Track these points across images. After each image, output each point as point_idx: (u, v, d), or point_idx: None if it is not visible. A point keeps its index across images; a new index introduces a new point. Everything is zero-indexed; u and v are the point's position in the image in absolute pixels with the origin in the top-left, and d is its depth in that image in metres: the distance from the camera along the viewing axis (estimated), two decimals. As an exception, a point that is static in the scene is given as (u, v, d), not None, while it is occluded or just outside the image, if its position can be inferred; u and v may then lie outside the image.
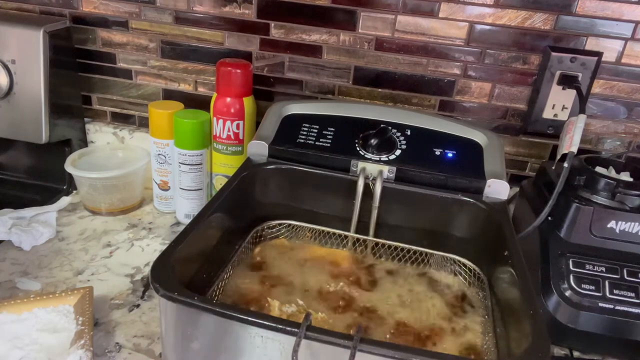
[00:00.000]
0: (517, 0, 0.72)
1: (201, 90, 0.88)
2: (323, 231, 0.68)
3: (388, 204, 0.65)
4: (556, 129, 0.76)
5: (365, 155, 0.67)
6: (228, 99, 0.76)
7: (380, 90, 0.81)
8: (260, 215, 0.68)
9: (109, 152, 0.88)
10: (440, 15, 0.75)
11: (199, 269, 0.52)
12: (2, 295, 0.62)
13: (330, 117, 0.72)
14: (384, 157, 0.67)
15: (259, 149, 0.68)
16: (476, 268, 0.63)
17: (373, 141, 0.67)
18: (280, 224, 0.69)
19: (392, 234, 0.66)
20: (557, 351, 0.62)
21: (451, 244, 0.65)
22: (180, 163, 0.78)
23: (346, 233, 0.68)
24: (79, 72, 0.89)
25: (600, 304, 0.58)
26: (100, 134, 0.93)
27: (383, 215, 0.66)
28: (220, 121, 0.77)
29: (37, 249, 0.72)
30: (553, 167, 0.68)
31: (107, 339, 0.57)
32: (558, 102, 0.75)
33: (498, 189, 0.64)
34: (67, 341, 0.53)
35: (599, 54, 0.72)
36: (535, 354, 0.39)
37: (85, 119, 0.92)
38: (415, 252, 0.66)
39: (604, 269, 0.60)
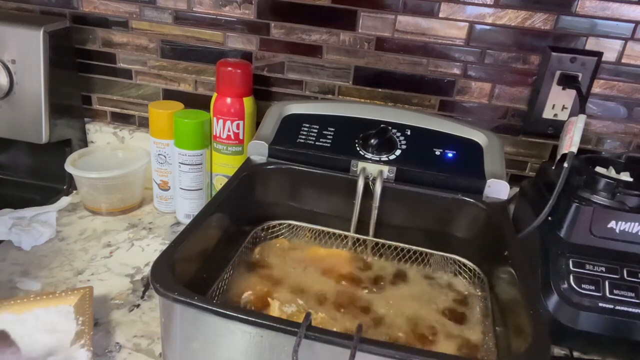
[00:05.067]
0: (517, 0, 0.72)
1: (201, 90, 0.88)
2: (323, 231, 0.68)
3: (388, 204, 0.65)
4: (556, 129, 0.76)
5: (366, 155, 0.67)
6: (228, 99, 0.76)
7: (380, 90, 0.81)
8: (260, 215, 0.68)
9: (109, 152, 0.88)
10: (441, 15, 0.75)
11: (199, 269, 0.52)
12: (2, 295, 0.62)
13: (330, 117, 0.72)
14: (384, 157, 0.67)
15: (259, 149, 0.68)
16: (476, 268, 0.63)
17: (373, 141, 0.67)
18: (280, 224, 0.69)
19: (392, 234, 0.66)
20: (557, 351, 0.61)
21: (451, 244, 0.65)
22: (180, 163, 0.78)
23: (346, 233, 0.68)
24: (79, 72, 0.89)
25: (600, 304, 0.58)
26: (100, 134, 0.93)
27: (383, 215, 0.66)
28: (220, 121, 0.77)
29: (37, 249, 0.72)
30: (553, 167, 0.68)
31: (107, 339, 0.57)
32: (558, 102, 0.75)
33: (498, 189, 0.64)
34: (67, 341, 0.53)
35: (599, 54, 0.72)
36: (535, 354, 0.39)
37: (85, 119, 0.92)
38: (415, 252, 0.66)
39: (604, 269, 0.60)
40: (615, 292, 0.58)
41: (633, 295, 0.58)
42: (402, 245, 0.66)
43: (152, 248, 0.75)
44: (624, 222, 0.61)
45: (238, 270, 0.60)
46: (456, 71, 0.78)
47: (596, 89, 0.75)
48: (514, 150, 0.82)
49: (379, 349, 0.38)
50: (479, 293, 0.60)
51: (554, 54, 0.72)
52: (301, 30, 0.80)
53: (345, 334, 0.38)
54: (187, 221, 0.77)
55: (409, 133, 0.70)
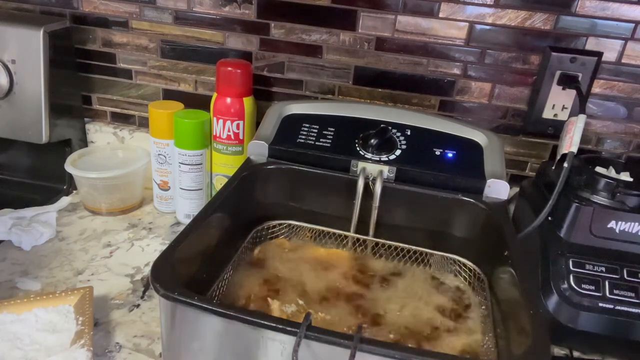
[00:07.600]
0: (517, 0, 0.72)
1: (201, 90, 0.88)
2: (323, 231, 0.68)
3: (388, 204, 0.65)
4: (556, 129, 0.76)
5: (366, 155, 0.67)
6: (228, 99, 0.76)
7: (380, 90, 0.81)
8: (260, 215, 0.68)
9: (109, 152, 0.88)
10: (441, 15, 0.75)
11: (199, 269, 0.52)
12: (2, 295, 0.62)
13: (330, 117, 0.72)
14: (384, 157, 0.67)
15: (259, 149, 0.68)
16: (476, 268, 0.63)
17: (373, 141, 0.67)
18: (280, 224, 0.69)
19: (392, 234, 0.66)
20: (557, 351, 0.62)
21: (451, 244, 0.65)
22: (180, 163, 0.78)
23: (346, 233, 0.68)
24: (79, 72, 0.89)
25: (600, 304, 0.58)
26: (100, 134, 0.93)
27: (383, 215, 0.66)
28: (220, 121, 0.77)
29: (37, 249, 0.72)
30: (553, 167, 0.68)
31: (107, 339, 0.57)
32: (558, 102, 0.75)
33: (498, 189, 0.64)
34: (67, 341, 0.53)
35: (599, 54, 0.72)
36: (535, 354, 0.39)
37: (85, 119, 0.92)
38: (415, 252, 0.66)
39: (604, 269, 0.60)
40: (615, 292, 0.58)
41: (633, 295, 0.58)
42: (402, 245, 0.66)
43: (152, 248, 0.75)
44: (624, 222, 0.61)
45: (238, 270, 0.60)
46: (456, 71, 0.78)
47: (596, 89, 0.75)
48: (514, 150, 0.82)
49: (379, 349, 0.38)
50: (479, 293, 0.60)
51: (554, 54, 0.72)
52: (301, 30, 0.80)
53: (345, 334, 0.38)
54: (187, 221, 0.77)
55: (409, 133, 0.70)
